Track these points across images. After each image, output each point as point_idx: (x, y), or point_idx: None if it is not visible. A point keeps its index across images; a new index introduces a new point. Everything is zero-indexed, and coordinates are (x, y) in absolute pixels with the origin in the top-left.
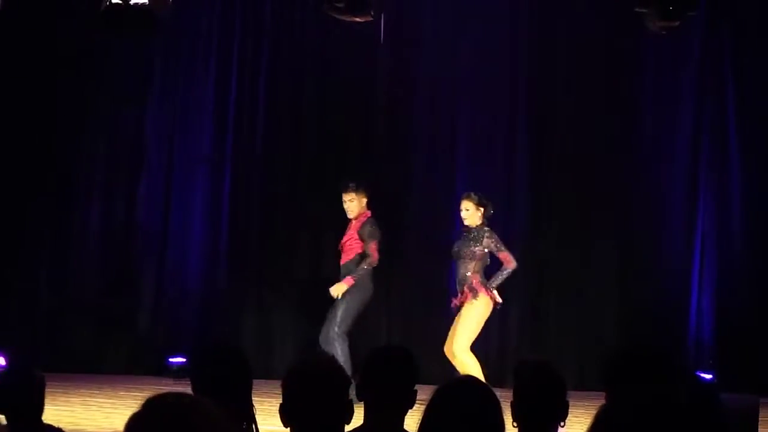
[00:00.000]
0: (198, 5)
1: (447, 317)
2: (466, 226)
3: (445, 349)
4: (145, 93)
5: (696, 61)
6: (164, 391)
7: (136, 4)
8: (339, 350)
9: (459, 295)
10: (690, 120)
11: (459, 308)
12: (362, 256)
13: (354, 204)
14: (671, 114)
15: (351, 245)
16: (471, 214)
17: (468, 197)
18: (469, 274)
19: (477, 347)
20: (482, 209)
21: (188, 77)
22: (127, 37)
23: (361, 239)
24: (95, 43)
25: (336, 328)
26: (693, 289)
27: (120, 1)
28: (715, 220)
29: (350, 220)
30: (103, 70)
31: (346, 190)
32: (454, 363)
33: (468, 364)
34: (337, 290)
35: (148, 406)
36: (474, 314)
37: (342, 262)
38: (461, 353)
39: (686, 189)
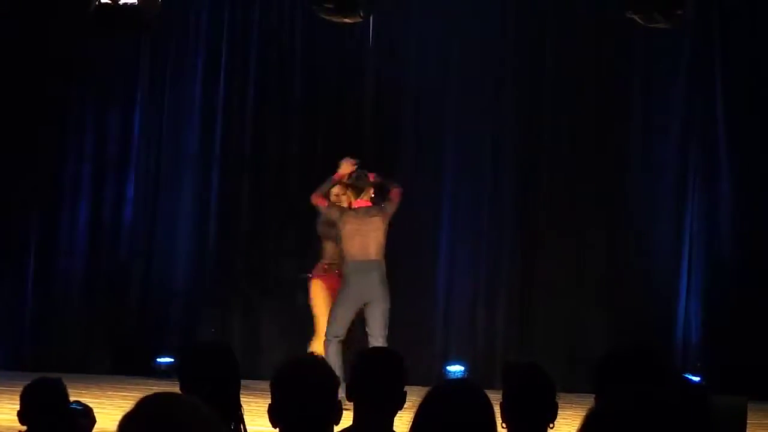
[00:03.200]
0: (186, 5)
1: (434, 319)
2: None
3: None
4: (132, 93)
5: (685, 66)
6: (157, 391)
7: (126, 4)
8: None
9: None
10: (679, 122)
11: None
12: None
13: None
14: (660, 117)
15: None
16: None
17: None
18: None
19: (464, 348)
20: None
21: (176, 77)
22: (116, 36)
23: None
24: (84, 43)
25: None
26: (681, 291)
27: (109, 1)
28: (704, 222)
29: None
30: (91, 70)
31: None
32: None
33: None
34: None
35: (141, 405)
36: None
37: None
38: None
39: (675, 190)
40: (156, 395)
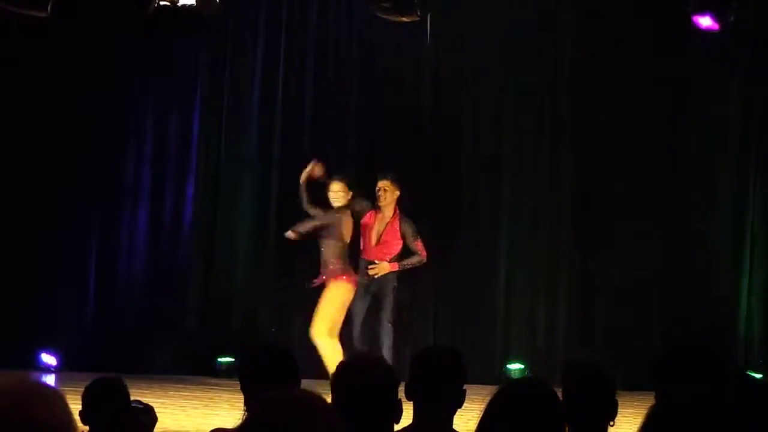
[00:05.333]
0: (244, 6)
1: (494, 318)
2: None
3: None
4: (192, 94)
5: (745, 58)
6: (296, 389)
7: (184, 5)
8: (389, 341)
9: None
10: (738, 118)
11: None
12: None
13: (388, 194)
14: (718, 114)
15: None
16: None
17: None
18: None
19: (524, 346)
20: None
21: (235, 78)
22: (175, 38)
23: (403, 236)
24: (143, 45)
25: (388, 321)
26: (742, 288)
27: (168, 3)
28: (764, 218)
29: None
30: (150, 71)
31: (384, 177)
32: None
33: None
34: (381, 269)
35: (282, 397)
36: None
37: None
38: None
39: (735, 187)
40: (299, 390)
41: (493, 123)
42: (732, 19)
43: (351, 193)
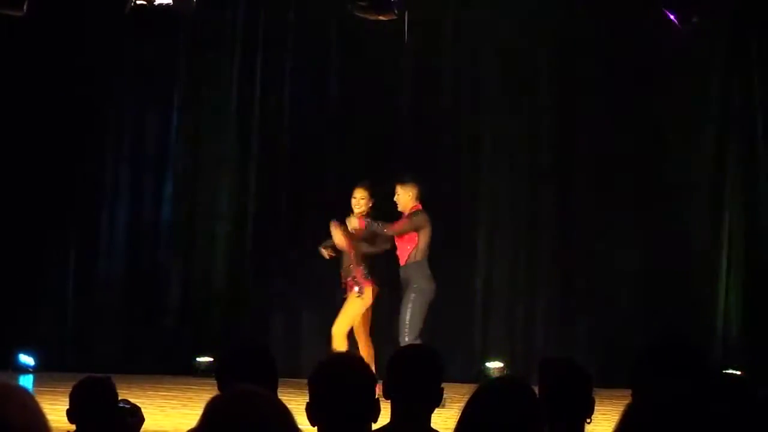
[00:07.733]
0: (222, 5)
1: (472, 316)
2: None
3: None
4: (170, 93)
5: (722, 61)
6: (245, 386)
7: (161, 4)
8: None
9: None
10: (717, 117)
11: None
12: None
13: (401, 197)
14: (698, 115)
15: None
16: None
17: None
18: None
19: (503, 345)
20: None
21: (213, 76)
22: (152, 37)
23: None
24: (120, 44)
25: (406, 338)
26: (720, 287)
27: (145, 2)
28: (743, 216)
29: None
30: (129, 70)
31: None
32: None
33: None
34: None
35: (233, 394)
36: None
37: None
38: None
39: (713, 185)
40: (248, 388)
41: (471, 121)
42: (695, 20)
43: (372, 201)
